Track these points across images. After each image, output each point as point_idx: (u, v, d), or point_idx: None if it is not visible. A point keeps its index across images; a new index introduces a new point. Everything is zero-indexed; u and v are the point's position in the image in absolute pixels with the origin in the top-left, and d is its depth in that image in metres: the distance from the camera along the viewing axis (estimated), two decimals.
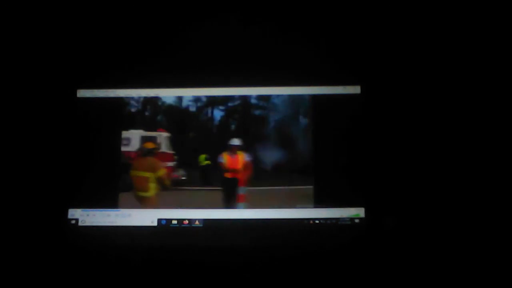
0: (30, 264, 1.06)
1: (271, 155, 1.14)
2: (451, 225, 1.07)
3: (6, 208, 1.11)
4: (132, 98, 1.17)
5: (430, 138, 1.12)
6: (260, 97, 1.17)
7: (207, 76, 1.17)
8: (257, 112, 1.17)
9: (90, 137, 1.15)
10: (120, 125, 1.16)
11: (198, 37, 1.19)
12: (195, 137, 1.17)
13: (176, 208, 1.13)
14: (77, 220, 1.13)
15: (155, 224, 1.12)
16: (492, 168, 1.08)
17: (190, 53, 1.18)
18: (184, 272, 1.05)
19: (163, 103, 1.17)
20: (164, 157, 1.16)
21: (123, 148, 1.15)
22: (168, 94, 1.17)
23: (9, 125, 1.15)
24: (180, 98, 1.17)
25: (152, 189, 1.15)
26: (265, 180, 1.15)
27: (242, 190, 1.14)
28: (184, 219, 1.12)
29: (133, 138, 1.16)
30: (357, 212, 1.11)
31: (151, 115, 1.18)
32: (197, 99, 1.18)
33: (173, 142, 1.16)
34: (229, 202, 1.13)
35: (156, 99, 1.17)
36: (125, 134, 1.16)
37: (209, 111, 1.18)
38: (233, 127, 1.17)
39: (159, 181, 1.15)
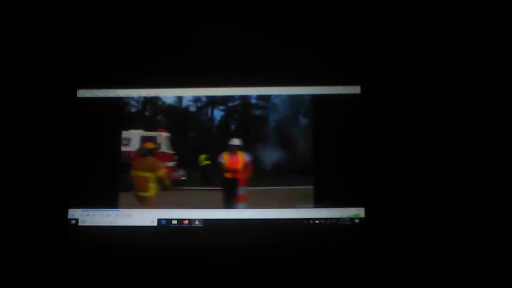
0: (30, 264, 1.06)
1: (271, 155, 1.14)
2: (451, 225, 1.07)
3: (6, 208, 1.11)
4: (132, 98, 1.17)
5: (430, 138, 1.12)
6: (260, 97, 1.17)
7: (207, 76, 1.17)
8: (257, 112, 1.17)
9: (90, 137, 1.15)
10: (120, 125, 1.16)
11: (198, 37, 1.19)
12: (195, 137, 1.17)
13: (176, 208, 1.13)
14: (77, 220, 1.13)
15: (155, 224, 1.12)
16: (492, 168, 1.08)
17: (190, 53, 1.18)
18: (184, 272, 1.05)
19: (163, 103, 1.17)
20: (164, 157, 1.16)
21: (123, 148, 1.15)
22: (168, 94, 1.17)
23: (9, 125, 1.15)
24: (180, 98, 1.17)
25: (152, 189, 1.15)
26: (265, 180, 1.15)
27: (242, 190, 1.14)
28: (184, 219, 1.12)
29: (133, 138, 1.16)
30: (357, 212, 1.11)
31: (151, 115, 1.18)
32: (197, 99, 1.18)
33: (173, 142, 1.16)
34: (229, 202, 1.13)
35: (156, 99, 1.17)
36: (125, 134, 1.16)
37: (209, 111, 1.18)
38: (233, 127, 1.17)
39: (159, 181, 1.15)
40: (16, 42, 1.17)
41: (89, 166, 1.14)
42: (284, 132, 1.15)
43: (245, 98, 1.17)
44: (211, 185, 1.15)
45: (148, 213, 1.12)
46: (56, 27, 1.17)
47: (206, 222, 1.12)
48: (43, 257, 1.07)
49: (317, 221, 1.11)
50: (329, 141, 1.13)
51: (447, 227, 1.07)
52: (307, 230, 1.11)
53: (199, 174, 1.15)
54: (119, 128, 1.16)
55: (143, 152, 1.16)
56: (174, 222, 1.12)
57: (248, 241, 1.09)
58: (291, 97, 1.16)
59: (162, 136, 1.17)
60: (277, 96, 1.16)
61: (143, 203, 1.14)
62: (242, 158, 1.15)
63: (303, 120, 1.15)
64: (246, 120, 1.17)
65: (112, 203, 1.13)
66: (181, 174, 1.16)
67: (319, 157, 1.13)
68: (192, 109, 1.18)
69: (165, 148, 1.17)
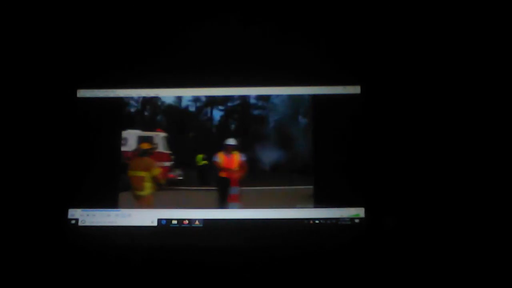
0: (30, 264, 1.06)
1: (271, 155, 1.14)
2: (451, 225, 1.07)
3: (7, 208, 1.11)
4: (132, 98, 1.17)
5: (430, 138, 1.12)
6: (259, 97, 1.17)
7: (207, 76, 1.17)
8: (256, 112, 1.17)
9: (90, 137, 1.15)
10: (120, 125, 1.16)
11: (198, 37, 1.19)
12: (193, 137, 1.17)
13: (176, 208, 1.13)
14: (77, 220, 1.13)
15: (155, 224, 1.12)
16: (492, 168, 1.08)
17: (190, 53, 1.18)
18: (184, 272, 1.05)
19: (163, 103, 1.18)
20: (161, 157, 1.17)
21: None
22: (168, 94, 1.17)
23: (9, 125, 1.15)
24: (179, 98, 1.18)
25: (147, 188, 1.15)
26: (265, 180, 1.15)
27: (234, 190, 1.13)
28: (184, 219, 1.12)
29: (130, 138, 1.16)
30: (357, 212, 1.11)
31: (151, 115, 1.18)
32: (196, 99, 1.18)
33: (170, 142, 1.16)
34: (222, 201, 1.13)
35: (155, 99, 1.17)
36: (122, 134, 1.16)
37: (209, 111, 1.18)
38: (232, 127, 1.17)
39: (155, 180, 1.15)
40: (16, 43, 1.17)
41: (89, 166, 1.14)
42: (284, 132, 1.15)
43: (244, 98, 1.17)
44: (208, 185, 1.15)
45: (148, 213, 1.13)
46: (56, 27, 1.17)
47: (206, 222, 1.12)
48: (43, 257, 1.07)
49: (317, 221, 1.11)
50: (329, 141, 1.13)
51: (447, 227, 1.07)
52: (307, 230, 1.11)
53: (196, 174, 1.15)
54: (119, 128, 1.16)
55: (139, 152, 1.16)
56: (174, 222, 1.12)
57: (248, 241, 1.09)
58: (291, 97, 1.16)
59: (159, 136, 1.17)
60: (277, 96, 1.16)
61: (139, 202, 1.14)
62: (238, 158, 1.15)
63: (303, 120, 1.15)
64: (245, 120, 1.17)
65: (112, 203, 1.13)
66: (178, 174, 1.16)
67: (319, 157, 1.13)
68: (192, 109, 1.18)
69: (162, 148, 1.17)
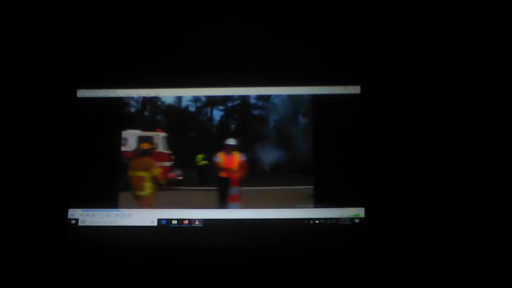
0: (30, 264, 1.06)
1: (271, 155, 1.14)
2: (451, 225, 1.07)
3: (6, 208, 1.11)
4: (132, 98, 1.17)
5: (430, 138, 1.12)
6: (260, 97, 1.17)
7: (207, 76, 1.17)
8: (256, 112, 1.17)
9: (90, 137, 1.15)
10: (120, 125, 1.16)
11: (198, 37, 1.19)
12: (193, 137, 1.17)
13: (176, 208, 1.13)
14: (77, 220, 1.13)
15: (155, 224, 1.12)
16: (492, 168, 1.08)
17: (190, 53, 1.18)
18: (184, 272, 1.05)
19: (163, 103, 1.18)
20: (161, 157, 1.17)
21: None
22: (168, 94, 1.17)
23: (9, 125, 1.15)
24: (179, 98, 1.18)
25: (147, 188, 1.15)
26: (265, 180, 1.15)
27: (234, 190, 1.13)
28: (184, 219, 1.12)
29: (130, 138, 1.16)
30: (357, 212, 1.11)
31: (151, 115, 1.18)
32: (196, 99, 1.18)
33: (170, 142, 1.16)
34: (222, 201, 1.13)
35: (155, 99, 1.17)
36: (122, 134, 1.16)
37: (209, 111, 1.18)
38: (232, 127, 1.17)
39: (155, 180, 1.15)
40: (16, 43, 1.17)
41: (89, 166, 1.14)
42: (284, 132, 1.15)
43: (244, 98, 1.17)
44: (208, 185, 1.15)
45: (148, 213, 1.13)
46: (56, 27, 1.17)
47: (206, 222, 1.12)
48: (43, 257, 1.07)
49: (317, 221, 1.11)
50: (329, 141, 1.13)
51: (447, 227, 1.07)
52: (307, 230, 1.11)
53: (196, 174, 1.15)
54: (119, 128, 1.16)
55: (139, 153, 1.16)
56: (174, 222, 1.12)
57: (248, 241, 1.09)
58: (291, 97, 1.16)
59: (159, 136, 1.17)
60: (277, 96, 1.16)
61: (139, 202, 1.14)
62: (238, 158, 1.15)
63: (303, 120, 1.15)
64: (245, 120, 1.17)
65: (112, 203, 1.13)
66: (177, 174, 1.16)
67: (319, 157, 1.13)
68: (192, 109, 1.18)
69: (162, 148, 1.17)
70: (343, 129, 1.14)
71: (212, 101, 1.18)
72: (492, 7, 1.11)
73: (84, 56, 1.18)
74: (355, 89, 1.16)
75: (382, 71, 1.15)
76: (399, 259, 1.05)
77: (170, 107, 1.18)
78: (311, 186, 1.12)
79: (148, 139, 1.17)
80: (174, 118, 1.17)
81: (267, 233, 1.10)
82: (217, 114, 1.17)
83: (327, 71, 1.16)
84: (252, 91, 1.17)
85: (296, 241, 1.10)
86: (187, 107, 1.18)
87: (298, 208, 1.11)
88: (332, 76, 1.16)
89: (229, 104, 1.18)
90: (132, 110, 1.17)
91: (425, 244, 1.06)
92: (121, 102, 1.17)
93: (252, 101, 1.17)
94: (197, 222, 1.12)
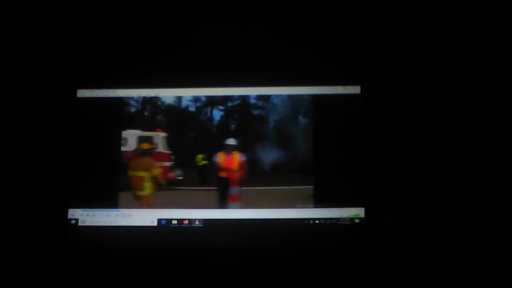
0: (30, 264, 1.06)
1: (270, 155, 1.14)
2: (451, 225, 1.07)
3: (6, 208, 1.11)
4: (132, 98, 1.17)
5: (430, 138, 1.12)
6: (259, 97, 1.17)
7: (207, 76, 1.17)
8: (257, 112, 1.17)
9: (90, 137, 1.15)
10: (120, 125, 1.16)
11: (198, 37, 1.19)
12: (193, 137, 1.17)
13: (176, 208, 1.13)
14: (77, 220, 1.13)
15: (155, 224, 1.12)
16: (492, 168, 1.08)
17: (190, 53, 1.18)
18: (184, 272, 1.05)
19: (163, 103, 1.18)
20: (161, 157, 1.17)
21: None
22: (168, 94, 1.17)
23: (9, 125, 1.15)
24: (179, 98, 1.18)
25: (147, 188, 1.15)
26: (265, 180, 1.15)
27: (234, 190, 1.13)
28: (184, 219, 1.12)
29: (130, 138, 1.16)
30: (357, 212, 1.11)
31: (151, 115, 1.18)
32: (196, 99, 1.18)
33: (170, 142, 1.16)
34: (222, 201, 1.13)
35: (155, 99, 1.17)
36: (122, 134, 1.16)
37: (209, 111, 1.18)
38: (232, 127, 1.17)
39: (155, 180, 1.15)
40: (16, 43, 1.17)
41: (89, 166, 1.14)
42: (284, 132, 1.15)
43: (244, 98, 1.17)
44: (208, 185, 1.15)
45: (148, 213, 1.13)
46: (56, 27, 1.17)
47: (206, 222, 1.12)
48: (43, 257, 1.07)
49: (317, 221, 1.11)
50: (329, 141, 1.13)
51: (447, 227, 1.07)
52: (307, 230, 1.11)
53: (196, 174, 1.15)
54: (119, 128, 1.16)
55: (139, 153, 1.16)
56: (174, 222, 1.12)
57: (248, 241, 1.09)
58: (291, 97, 1.16)
59: (159, 136, 1.17)
60: (277, 96, 1.16)
61: (139, 201, 1.14)
62: (238, 158, 1.15)
63: (303, 120, 1.15)
64: (245, 120, 1.17)
65: (112, 203, 1.13)
66: (178, 174, 1.16)
67: (319, 157, 1.13)
68: (192, 109, 1.18)
69: (162, 148, 1.17)
70: (343, 129, 1.14)
71: (212, 101, 1.18)
72: (492, 7, 1.11)
73: (84, 56, 1.18)
74: (355, 89, 1.16)
75: (382, 71, 1.15)
76: (399, 259, 1.05)
77: (170, 107, 1.18)
78: (311, 186, 1.12)
79: (148, 139, 1.17)
80: (174, 118, 1.17)
81: (267, 233, 1.10)
82: (217, 114, 1.18)
83: (327, 71, 1.16)
84: (252, 91, 1.17)
85: (296, 241, 1.10)
86: (187, 107, 1.18)
87: (298, 208, 1.11)
88: (332, 76, 1.16)
89: (229, 104, 1.18)
90: (132, 110, 1.17)
91: (425, 244, 1.06)
92: (121, 102, 1.17)
93: (252, 101, 1.17)
94: (197, 222, 1.12)
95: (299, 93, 1.16)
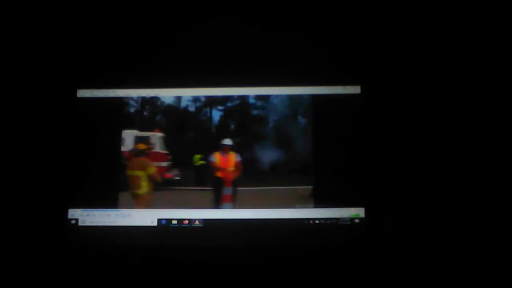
0: (30, 264, 1.06)
1: (270, 155, 1.14)
2: (451, 225, 1.07)
3: (6, 208, 1.11)
4: (132, 98, 1.17)
5: (430, 138, 1.12)
6: (259, 97, 1.17)
7: (206, 76, 1.17)
8: (256, 112, 1.17)
9: (90, 137, 1.15)
10: (120, 125, 1.16)
11: (198, 37, 1.19)
12: (192, 137, 1.17)
13: (176, 208, 1.13)
14: (77, 220, 1.13)
15: (155, 224, 1.12)
16: (492, 168, 1.08)
17: (190, 53, 1.18)
18: (184, 272, 1.05)
19: (162, 103, 1.18)
20: (158, 157, 1.17)
21: None
22: (167, 94, 1.17)
23: (9, 125, 1.15)
24: (179, 98, 1.18)
25: (144, 187, 1.15)
26: (264, 180, 1.14)
27: (227, 191, 1.14)
28: (184, 219, 1.12)
29: (127, 138, 1.17)
30: (357, 212, 1.11)
31: (150, 115, 1.18)
32: (196, 99, 1.18)
33: (167, 142, 1.16)
34: (216, 201, 1.13)
35: (155, 99, 1.17)
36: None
37: (208, 111, 1.18)
38: (232, 127, 1.17)
39: (151, 178, 1.16)
40: (16, 43, 1.17)
41: (89, 166, 1.14)
42: (283, 132, 1.15)
43: (244, 98, 1.17)
44: (205, 185, 1.15)
45: (148, 213, 1.13)
46: (56, 27, 1.17)
47: (206, 222, 1.12)
48: (43, 257, 1.07)
49: (317, 221, 1.11)
50: (329, 141, 1.13)
51: (447, 227, 1.07)
52: (307, 230, 1.11)
53: (194, 174, 1.15)
54: (119, 128, 1.16)
55: (135, 153, 1.16)
56: (174, 222, 1.12)
57: (248, 241, 1.09)
58: (291, 97, 1.16)
59: (156, 136, 1.17)
60: (277, 96, 1.16)
61: (137, 200, 1.15)
62: (234, 158, 1.15)
63: (302, 120, 1.15)
64: (245, 120, 1.17)
65: (112, 203, 1.13)
66: (175, 174, 1.16)
67: (319, 157, 1.13)
68: (191, 109, 1.18)
69: (159, 148, 1.17)
70: (343, 129, 1.14)
71: (212, 101, 1.18)
72: (492, 7, 1.11)
73: (84, 56, 1.18)
74: (355, 89, 1.15)
75: (382, 71, 1.15)
76: (399, 259, 1.05)
77: (169, 107, 1.18)
78: (310, 186, 1.12)
79: (145, 140, 1.17)
80: (173, 118, 1.17)
81: (267, 233, 1.10)
82: (216, 114, 1.18)
83: (327, 71, 1.16)
84: (251, 91, 1.17)
85: (296, 241, 1.10)
86: (186, 107, 1.18)
87: (298, 208, 1.11)
88: (332, 76, 1.16)
89: (229, 104, 1.18)
90: (132, 110, 1.17)
91: (425, 244, 1.06)
92: (121, 102, 1.17)
93: (252, 101, 1.17)
94: (197, 222, 1.12)
95: (299, 93, 1.16)
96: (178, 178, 1.16)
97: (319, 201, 1.11)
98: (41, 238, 1.09)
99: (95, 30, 1.18)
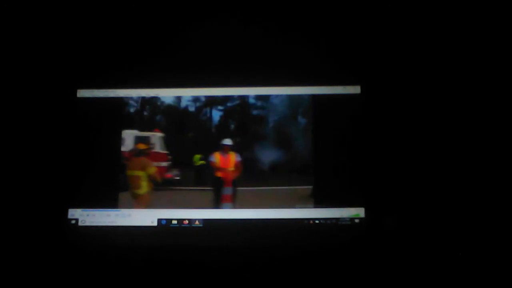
0: (30, 264, 1.06)
1: (270, 155, 1.14)
2: (451, 225, 1.07)
3: (6, 208, 1.11)
4: (132, 98, 1.17)
5: (430, 138, 1.12)
6: (259, 97, 1.17)
7: (207, 76, 1.17)
8: (256, 112, 1.17)
9: (90, 137, 1.15)
10: (120, 125, 1.16)
11: (198, 37, 1.19)
12: (192, 137, 1.17)
13: (176, 208, 1.13)
14: (77, 220, 1.13)
15: (155, 224, 1.12)
16: (492, 168, 1.08)
17: (190, 53, 1.18)
18: (184, 272, 1.05)
19: (162, 103, 1.18)
20: (158, 157, 1.17)
21: None
22: (167, 94, 1.17)
23: (9, 125, 1.15)
24: (179, 98, 1.18)
25: (144, 187, 1.15)
26: (264, 180, 1.14)
27: (227, 191, 1.14)
28: (184, 219, 1.12)
29: (127, 138, 1.17)
30: (357, 212, 1.11)
31: (150, 115, 1.18)
32: (196, 99, 1.18)
33: (167, 142, 1.16)
34: (216, 201, 1.13)
35: (155, 99, 1.17)
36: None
37: (208, 111, 1.18)
38: (232, 127, 1.17)
39: (151, 178, 1.16)
40: (16, 43, 1.17)
41: (89, 166, 1.14)
42: (283, 132, 1.15)
43: (244, 98, 1.17)
44: (205, 185, 1.15)
45: (148, 213, 1.13)
46: (56, 27, 1.17)
47: (206, 222, 1.12)
48: (43, 257, 1.07)
49: (317, 221, 1.11)
50: (329, 141, 1.13)
51: (447, 227, 1.07)
52: (307, 230, 1.11)
53: (194, 174, 1.15)
54: (119, 128, 1.16)
55: (135, 153, 1.16)
56: (174, 222, 1.12)
57: (248, 241, 1.09)
58: (291, 97, 1.16)
59: (156, 136, 1.17)
60: (277, 96, 1.16)
61: (137, 200, 1.15)
62: (234, 158, 1.15)
63: (302, 120, 1.15)
64: (245, 120, 1.17)
65: (112, 203, 1.13)
66: (175, 174, 1.16)
67: (319, 157, 1.13)
68: (191, 109, 1.18)
69: (159, 148, 1.17)
70: (343, 129, 1.14)
71: (212, 101, 1.18)
72: (492, 7, 1.11)
73: (84, 56, 1.18)
74: (355, 89, 1.15)
75: (382, 71, 1.15)
76: (399, 259, 1.05)
77: (169, 107, 1.18)
78: (311, 186, 1.12)
79: (145, 140, 1.17)
80: (173, 118, 1.17)
81: (267, 233, 1.10)
82: (216, 114, 1.18)
83: (327, 71, 1.16)
84: (251, 91, 1.17)
85: (296, 241, 1.10)
86: (186, 107, 1.18)
87: (298, 208, 1.11)
88: (332, 76, 1.16)
89: (229, 104, 1.18)
90: (132, 110, 1.17)
91: (425, 244, 1.06)
92: (121, 102, 1.17)
93: (252, 101, 1.17)
94: (197, 222, 1.12)
95: (299, 93, 1.16)
96: (178, 178, 1.16)
97: (319, 201, 1.11)
98: (41, 238, 1.09)
99: (95, 30, 1.18)
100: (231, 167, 1.15)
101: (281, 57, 1.16)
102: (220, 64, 1.17)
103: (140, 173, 1.16)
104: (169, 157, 1.16)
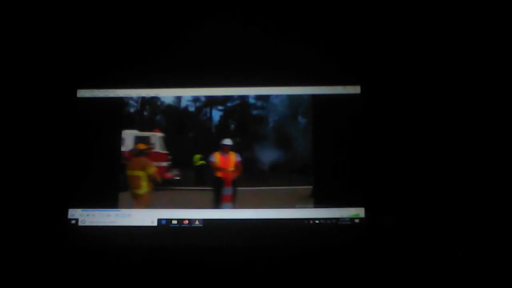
0: (30, 264, 1.06)
1: (270, 155, 1.14)
2: (451, 225, 1.07)
3: (6, 208, 1.11)
4: (132, 98, 1.17)
5: (430, 138, 1.12)
6: (259, 97, 1.17)
7: (207, 76, 1.17)
8: (256, 112, 1.17)
9: (90, 137, 1.15)
10: (120, 125, 1.16)
11: (198, 37, 1.19)
12: (192, 137, 1.17)
13: (176, 208, 1.13)
14: (77, 220, 1.13)
15: (155, 224, 1.12)
16: (492, 168, 1.08)
17: (190, 53, 1.18)
18: (184, 272, 1.05)
19: (162, 103, 1.18)
20: (158, 157, 1.17)
21: None
22: (167, 94, 1.17)
23: (9, 125, 1.15)
24: (179, 98, 1.18)
25: (144, 187, 1.15)
26: (264, 180, 1.14)
27: (227, 191, 1.14)
28: (184, 219, 1.12)
29: (127, 138, 1.17)
30: (357, 212, 1.11)
31: (150, 115, 1.18)
32: (196, 99, 1.18)
33: (167, 142, 1.16)
34: (216, 201, 1.13)
35: (155, 99, 1.17)
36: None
37: (208, 111, 1.18)
38: (232, 127, 1.17)
39: (151, 178, 1.16)
40: (16, 43, 1.17)
41: (89, 166, 1.14)
42: (283, 132, 1.15)
43: (244, 98, 1.17)
44: (205, 185, 1.15)
45: (148, 213, 1.13)
46: (56, 27, 1.17)
47: (206, 222, 1.12)
48: (43, 257, 1.07)
49: (317, 221, 1.11)
50: (329, 141, 1.13)
51: (447, 227, 1.07)
52: (307, 230, 1.11)
53: (194, 174, 1.15)
54: (119, 128, 1.16)
55: (135, 153, 1.16)
56: (174, 222, 1.12)
57: (248, 241, 1.09)
58: (291, 97, 1.16)
59: (156, 136, 1.17)
60: (277, 96, 1.16)
61: (137, 200, 1.15)
62: (234, 158, 1.15)
63: (302, 120, 1.15)
64: (245, 120, 1.17)
65: (112, 203, 1.13)
66: (175, 174, 1.16)
67: (319, 157, 1.13)
68: (191, 109, 1.18)
69: (159, 148, 1.17)
70: (343, 129, 1.14)
71: (212, 101, 1.18)
72: (492, 7, 1.11)
73: (84, 56, 1.18)
74: (355, 89, 1.15)
75: (382, 71, 1.15)
76: (399, 259, 1.05)
77: (169, 107, 1.18)
78: (311, 186, 1.12)
79: (145, 140, 1.17)
80: (173, 118, 1.17)
81: (267, 233, 1.10)
82: (216, 114, 1.18)
83: (327, 71, 1.16)
84: (251, 91, 1.17)
85: (296, 241, 1.10)
86: (186, 107, 1.18)
87: (298, 208, 1.11)
88: (332, 76, 1.16)
89: (229, 104, 1.18)
90: (132, 110, 1.17)
91: (425, 244, 1.06)
92: (121, 102, 1.17)
93: (252, 101, 1.17)
94: (197, 222, 1.12)
95: (299, 93, 1.16)
96: (178, 178, 1.16)
97: (319, 201, 1.11)
98: (41, 238, 1.09)
99: (95, 30, 1.18)
100: (231, 167, 1.15)
101: (281, 57, 1.16)
102: (220, 64, 1.17)
103: (140, 173, 1.16)
104: (169, 157, 1.16)
